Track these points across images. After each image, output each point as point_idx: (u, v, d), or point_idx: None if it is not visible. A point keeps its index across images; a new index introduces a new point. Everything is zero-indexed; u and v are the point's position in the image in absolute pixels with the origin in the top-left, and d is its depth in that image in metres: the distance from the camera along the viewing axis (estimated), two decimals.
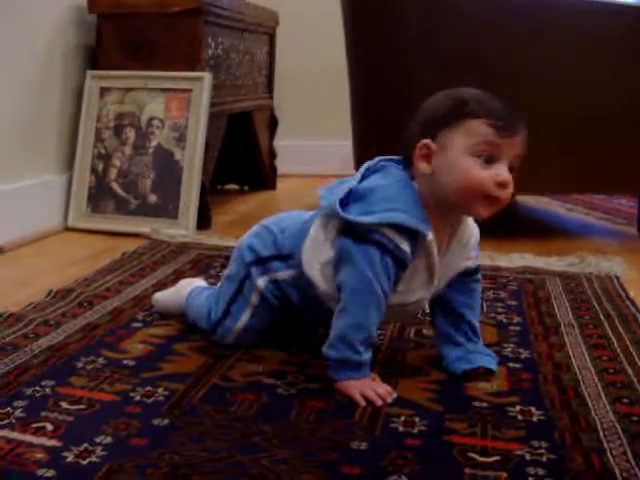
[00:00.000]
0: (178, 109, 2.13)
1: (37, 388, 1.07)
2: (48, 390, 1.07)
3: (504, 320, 1.44)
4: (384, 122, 2.26)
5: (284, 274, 1.17)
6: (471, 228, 1.15)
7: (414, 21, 2.09)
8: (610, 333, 1.37)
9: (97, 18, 2.16)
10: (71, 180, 2.16)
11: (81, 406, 1.02)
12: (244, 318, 1.21)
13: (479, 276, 1.19)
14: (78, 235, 2.11)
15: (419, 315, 1.39)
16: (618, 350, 1.28)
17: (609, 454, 0.92)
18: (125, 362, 1.18)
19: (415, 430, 0.97)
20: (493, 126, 1.02)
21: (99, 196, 2.16)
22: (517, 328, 1.39)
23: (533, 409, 1.04)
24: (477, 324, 1.19)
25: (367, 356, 1.07)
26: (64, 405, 1.02)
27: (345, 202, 1.08)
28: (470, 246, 1.14)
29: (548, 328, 1.39)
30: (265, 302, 1.19)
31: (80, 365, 1.16)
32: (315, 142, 3.13)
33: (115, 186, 2.15)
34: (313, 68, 3.16)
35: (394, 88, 2.20)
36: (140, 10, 2.11)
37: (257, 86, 2.76)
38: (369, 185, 1.08)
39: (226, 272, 1.26)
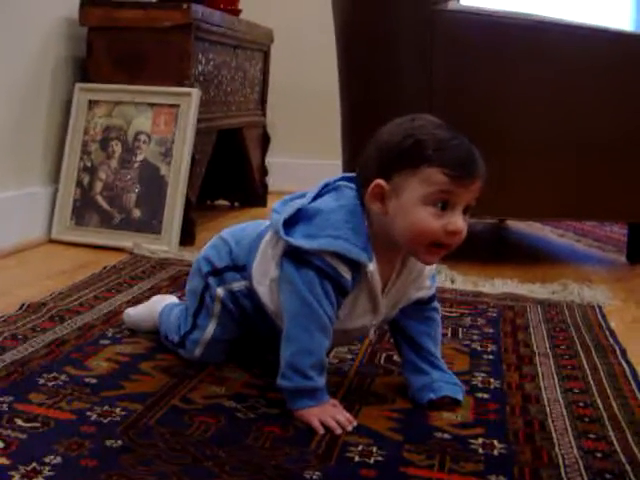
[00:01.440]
0: (166, 124, 2.13)
1: None
2: (5, 406, 1.05)
3: (478, 348, 1.42)
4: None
5: (239, 285, 1.17)
6: None
7: (406, 41, 2.09)
8: (585, 364, 1.35)
9: (88, 31, 2.16)
10: (56, 192, 2.15)
11: (36, 424, 1.00)
12: (210, 328, 1.21)
13: (436, 304, 1.18)
14: (61, 248, 2.10)
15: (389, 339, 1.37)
16: (591, 382, 1.26)
17: None
18: (87, 380, 1.16)
19: (371, 460, 0.95)
20: (449, 175, 0.99)
21: (84, 209, 2.15)
22: (490, 357, 1.37)
23: (496, 442, 1.03)
24: (438, 352, 1.17)
25: (321, 381, 1.06)
26: (19, 422, 1.00)
27: (293, 221, 1.07)
28: (424, 276, 1.13)
29: (522, 358, 1.37)
30: (226, 310, 1.19)
31: (42, 382, 1.14)
32: (307, 161, 3.12)
33: (100, 200, 2.15)
34: (308, 86, 3.16)
35: (383, 108, 2.19)
36: (131, 24, 2.12)
37: (249, 103, 2.76)
38: (318, 207, 1.07)
39: (188, 286, 1.26)
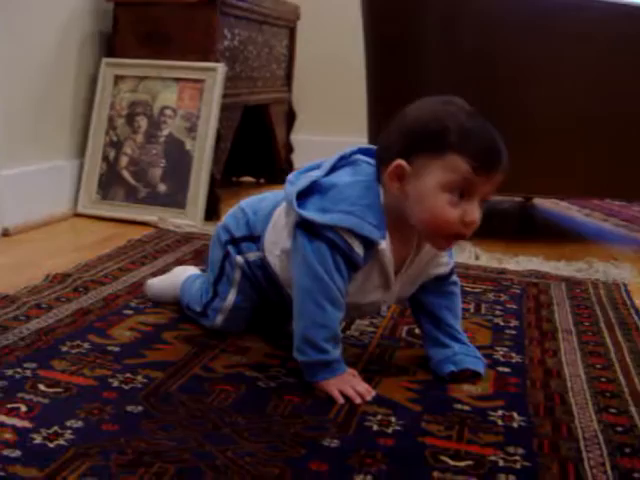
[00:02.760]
0: (191, 99, 2.13)
1: (18, 370, 1.07)
2: (29, 372, 1.07)
3: (501, 323, 1.41)
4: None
5: (254, 255, 1.18)
6: None
7: (432, 14, 2.06)
8: (608, 341, 1.34)
9: (114, 6, 2.16)
10: (82, 167, 2.17)
11: (58, 389, 1.02)
12: (230, 296, 1.22)
13: (455, 278, 1.18)
14: (87, 221, 2.12)
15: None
16: (614, 359, 1.25)
17: (586, 464, 0.90)
18: (110, 348, 1.18)
19: (390, 430, 0.96)
20: (473, 165, 0.97)
21: (109, 183, 2.16)
22: (513, 332, 1.36)
23: (515, 414, 1.02)
24: (458, 326, 1.16)
25: (336, 353, 1.06)
26: (42, 388, 1.02)
27: (306, 193, 1.06)
28: (441, 253, 1.12)
29: (544, 333, 1.36)
30: (246, 278, 1.20)
31: (65, 349, 1.16)
32: (333, 138, 3.11)
33: (126, 174, 2.16)
34: (334, 63, 3.14)
35: (408, 85, 2.17)
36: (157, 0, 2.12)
37: (275, 79, 2.75)
38: (333, 180, 1.06)
39: (209, 256, 1.27)
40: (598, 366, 1.22)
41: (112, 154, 2.17)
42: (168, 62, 2.14)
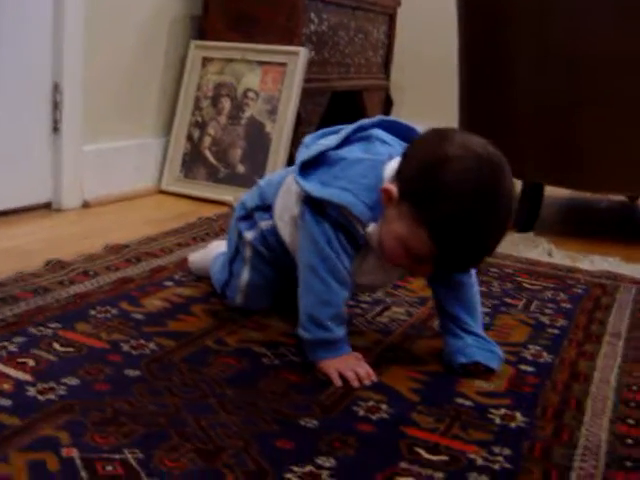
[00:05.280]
0: (273, 82, 2.16)
1: (41, 328, 1.13)
2: (50, 332, 1.12)
3: (546, 322, 1.33)
4: (485, 111, 2.18)
5: (266, 223, 1.18)
6: None
7: (521, 7, 1.98)
8: None
9: None
10: (168, 145, 2.24)
11: (70, 349, 1.06)
12: (245, 274, 1.22)
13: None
14: (169, 198, 2.20)
15: None
16: None
17: (574, 474, 0.83)
18: (134, 315, 1.21)
19: (375, 417, 0.93)
20: (436, 258, 0.96)
21: (192, 163, 2.23)
22: (555, 331, 1.29)
23: (518, 414, 0.97)
24: (474, 320, 1.11)
25: (340, 332, 1.04)
26: (55, 346, 1.07)
27: (315, 163, 1.05)
28: None
29: (590, 335, 1.28)
30: (257, 253, 1.20)
31: (93, 313, 1.21)
32: (429, 125, 3.05)
33: (208, 154, 2.22)
34: (434, 51, 3.07)
35: (498, 76, 2.10)
36: None
37: (371, 66, 2.73)
38: (342, 155, 1.04)
39: (228, 236, 1.28)
40: (635, 374, 1.12)
41: (196, 134, 2.23)
42: (253, 45, 2.17)
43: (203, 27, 2.25)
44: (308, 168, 1.05)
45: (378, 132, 1.07)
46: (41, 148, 1.88)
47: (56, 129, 1.89)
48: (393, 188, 0.97)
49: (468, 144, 0.93)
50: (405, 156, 1.00)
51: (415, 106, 3.11)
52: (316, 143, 1.07)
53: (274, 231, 1.17)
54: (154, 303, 1.28)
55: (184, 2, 2.25)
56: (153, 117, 2.22)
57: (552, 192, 2.36)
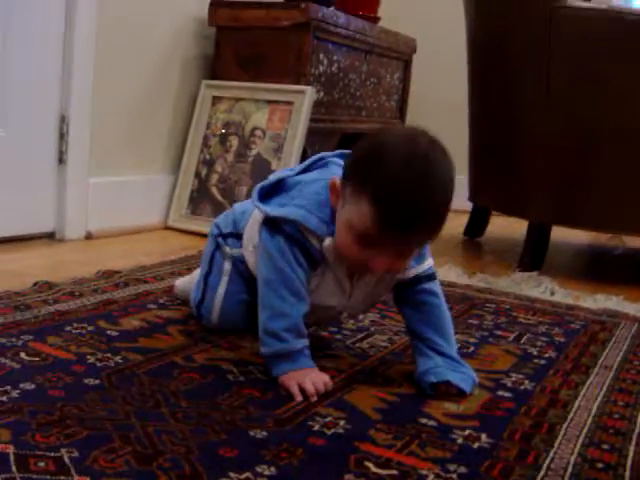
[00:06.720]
0: (280, 120, 2.18)
1: (13, 339, 1.12)
2: (20, 342, 1.11)
3: (534, 353, 1.29)
4: (493, 152, 2.17)
5: (237, 251, 1.20)
6: None
7: (524, 40, 1.98)
8: None
9: (216, 30, 2.27)
10: (176, 181, 2.27)
11: (36, 359, 1.05)
12: (221, 288, 1.21)
13: (431, 286, 1.09)
14: (174, 234, 2.21)
15: None
16: None
17: None
18: (109, 332, 1.20)
19: (330, 432, 0.90)
20: (379, 222, 0.92)
21: (199, 199, 2.24)
22: (542, 362, 1.24)
23: (484, 436, 0.92)
24: (445, 340, 1.08)
25: (297, 344, 1.02)
26: (22, 355, 1.06)
27: (275, 191, 1.09)
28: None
29: (578, 366, 1.23)
30: (236, 267, 1.20)
31: (68, 329, 1.20)
32: None
33: (214, 191, 2.23)
34: (449, 97, 3.08)
35: (502, 115, 2.10)
36: (254, 24, 2.19)
37: (384, 110, 2.75)
38: (298, 179, 1.09)
39: (203, 254, 1.29)
40: (620, 403, 1.07)
41: (204, 171, 2.25)
42: (262, 84, 2.20)
43: (214, 67, 2.29)
44: (270, 196, 1.08)
45: (337, 159, 1.11)
46: (46, 178, 1.92)
47: (61, 160, 1.92)
48: (336, 179, 1.00)
49: (403, 132, 1.02)
50: (347, 157, 1.03)
51: None
52: (274, 174, 1.13)
53: (243, 259, 1.19)
54: (132, 322, 1.27)
55: (197, 42, 2.30)
56: (162, 154, 2.25)
57: (567, 236, 2.32)
